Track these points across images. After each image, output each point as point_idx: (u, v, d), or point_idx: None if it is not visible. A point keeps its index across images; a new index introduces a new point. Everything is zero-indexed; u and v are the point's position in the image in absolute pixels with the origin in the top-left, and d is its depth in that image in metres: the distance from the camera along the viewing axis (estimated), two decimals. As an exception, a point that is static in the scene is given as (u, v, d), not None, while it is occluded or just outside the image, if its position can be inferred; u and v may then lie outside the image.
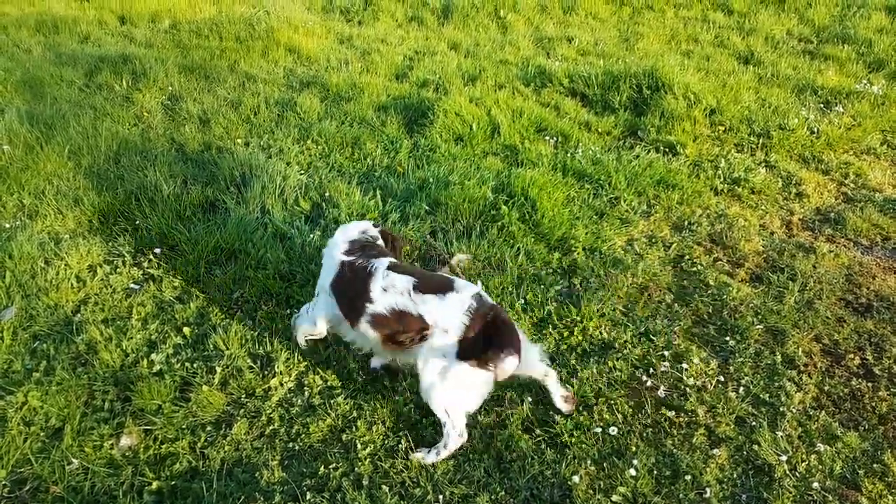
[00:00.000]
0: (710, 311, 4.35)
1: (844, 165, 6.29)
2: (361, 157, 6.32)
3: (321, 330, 3.75)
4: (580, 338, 4.08)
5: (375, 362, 3.83)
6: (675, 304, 4.41)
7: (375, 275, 3.36)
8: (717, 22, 10.74)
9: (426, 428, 3.48)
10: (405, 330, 3.28)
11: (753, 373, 3.83)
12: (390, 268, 3.39)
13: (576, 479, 3.17)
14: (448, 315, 3.18)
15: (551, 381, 3.49)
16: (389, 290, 3.30)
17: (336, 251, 3.61)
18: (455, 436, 3.27)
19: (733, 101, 7.24)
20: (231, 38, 9.69)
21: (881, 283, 4.60)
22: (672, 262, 4.88)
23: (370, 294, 3.33)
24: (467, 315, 3.16)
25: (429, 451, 3.31)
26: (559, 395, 3.49)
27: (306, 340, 3.90)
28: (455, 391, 3.21)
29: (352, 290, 3.45)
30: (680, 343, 4.05)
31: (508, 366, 3.05)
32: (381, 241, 3.85)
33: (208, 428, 3.51)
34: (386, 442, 3.42)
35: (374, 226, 3.92)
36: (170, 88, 7.83)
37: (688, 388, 3.71)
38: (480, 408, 3.56)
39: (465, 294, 3.22)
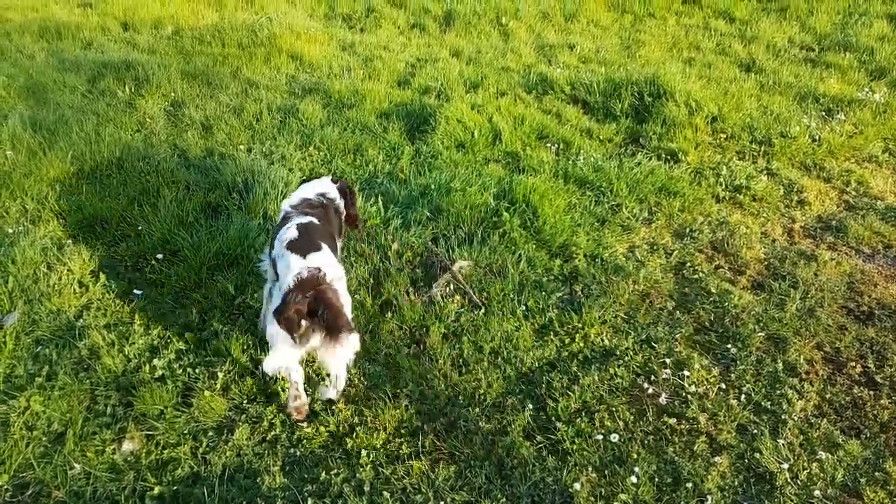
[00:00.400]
0: (712, 318, 4.35)
1: (846, 173, 6.30)
2: (363, 164, 6.34)
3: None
4: (581, 345, 4.08)
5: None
6: (677, 312, 4.41)
7: (285, 225, 3.74)
8: (719, 30, 10.77)
9: (427, 435, 3.48)
10: (277, 277, 3.55)
11: (755, 380, 3.82)
12: (299, 224, 3.69)
13: (577, 486, 3.17)
14: (285, 274, 3.37)
15: (333, 379, 3.65)
16: (280, 240, 3.61)
17: (285, 203, 4.04)
18: (291, 393, 3.51)
19: (735, 108, 7.26)
20: (233, 44, 9.74)
21: (883, 291, 4.60)
22: (673, 269, 4.88)
23: (274, 241, 3.70)
24: (294, 280, 3.27)
25: None
26: (331, 391, 3.66)
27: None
28: (273, 350, 3.40)
29: (273, 237, 3.83)
30: (681, 350, 4.05)
31: (314, 341, 3.33)
32: (339, 200, 4.23)
33: (210, 433, 3.51)
34: (387, 448, 3.42)
35: (333, 181, 4.32)
36: (172, 94, 7.87)
37: (689, 396, 3.70)
38: (482, 413, 3.57)
39: (305, 263, 3.38)
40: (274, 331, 3.32)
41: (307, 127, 7.07)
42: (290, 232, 3.61)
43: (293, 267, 3.35)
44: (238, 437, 3.47)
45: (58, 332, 4.12)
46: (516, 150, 6.56)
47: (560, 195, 5.53)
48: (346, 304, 3.47)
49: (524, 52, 9.86)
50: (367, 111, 7.37)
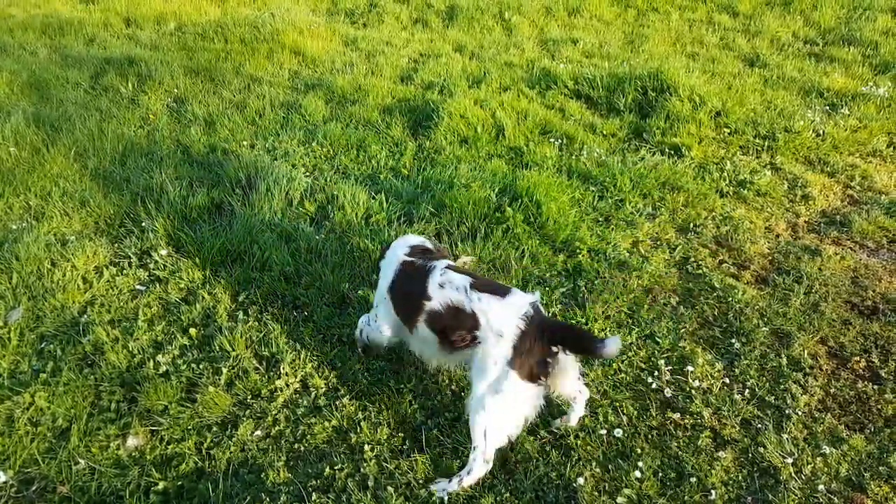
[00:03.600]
0: (716, 313, 4.34)
1: (850, 168, 6.27)
2: (366, 160, 6.33)
3: (386, 336, 3.68)
4: (585, 340, 4.07)
5: None
6: (681, 307, 4.41)
7: (433, 273, 3.33)
8: (723, 24, 10.72)
9: (431, 430, 3.48)
10: (458, 327, 3.18)
11: (759, 375, 3.82)
12: (448, 267, 3.36)
13: (581, 480, 3.17)
14: (503, 318, 3.05)
15: (580, 400, 3.44)
16: (446, 286, 3.25)
17: (399, 253, 3.60)
18: (481, 462, 3.11)
19: (739, 103, 7.23)
20: (236, 40, 9.71)
21: (887, 286, 4.58)
22: (677, 264, 4.87)
23: (427, 291, 3.29)
24: (523, 321, 3.02)
25: (449, 481, 3.14)
26: (577, 417, 3.47)
27: (365, 348, 3.93)
28: (502, 412, 3.06)
29: (410, 288, 3.42)
30: (685, 345, 4.04)
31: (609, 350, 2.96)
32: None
33: (214, 429, 3.52)
34: (391, 443, 3.43)
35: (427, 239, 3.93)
36: (175, 90, 7.87)
37: (693, 391, 3.70)
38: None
39: (524, 300, 3.11)
40: None
41: (310, 123, 7.07)
42: (455, 276, 3.30)
43: (511, 307, 3.10)
44: (242, 432, 3.47)
45: (62, 328, 4.13)
46: (519, 145, 6.54)
47: (563, 190, 5.51)
48: None
49: (527, 47, 9.83)
50: (370, 107, 7.36)
